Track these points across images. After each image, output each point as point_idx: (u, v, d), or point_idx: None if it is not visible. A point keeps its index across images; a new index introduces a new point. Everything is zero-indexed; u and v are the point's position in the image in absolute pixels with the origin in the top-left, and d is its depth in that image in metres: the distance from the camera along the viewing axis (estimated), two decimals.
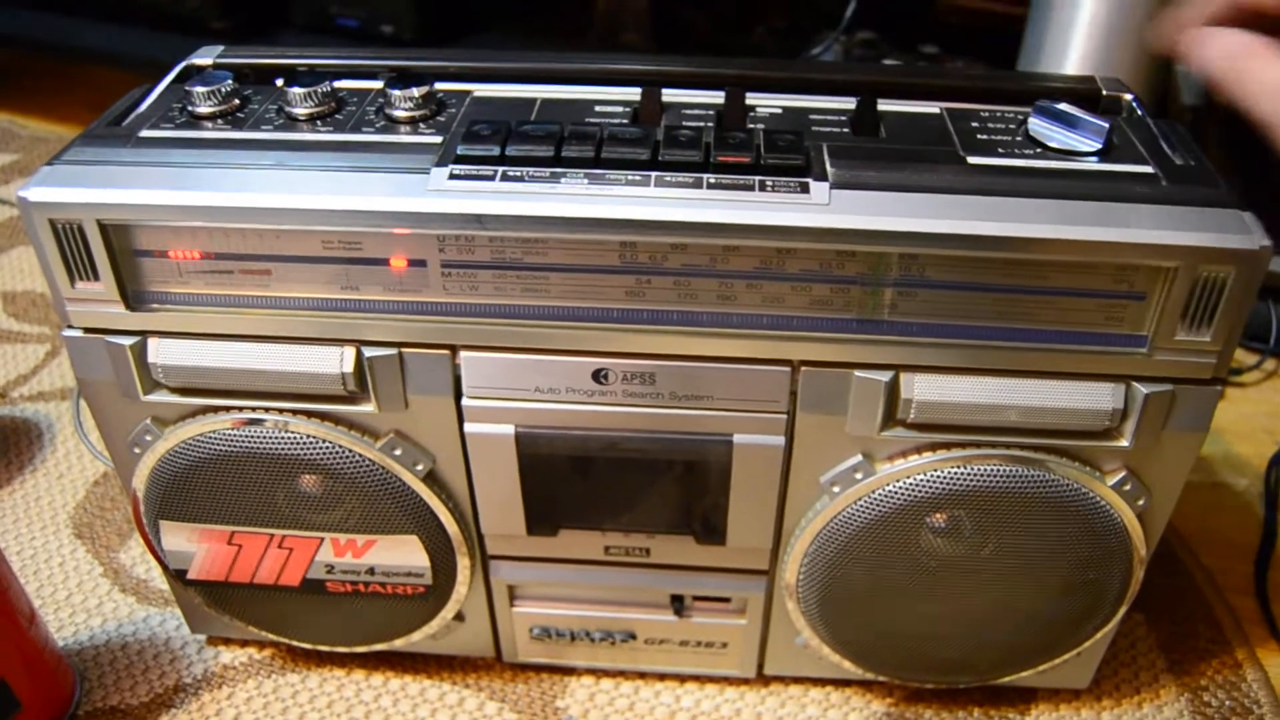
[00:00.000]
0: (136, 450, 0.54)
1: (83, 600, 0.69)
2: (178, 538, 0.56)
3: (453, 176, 0.46)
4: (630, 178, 0.46)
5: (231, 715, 0.62)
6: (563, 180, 0.46)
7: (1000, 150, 0.48)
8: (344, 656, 0.65)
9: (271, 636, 0.62)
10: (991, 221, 0.44)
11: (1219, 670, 0.65)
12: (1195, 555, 0.73)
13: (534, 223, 0.45)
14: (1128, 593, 0.55)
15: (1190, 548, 0.74)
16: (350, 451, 0.52)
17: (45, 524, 0.75)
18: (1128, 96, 0.53)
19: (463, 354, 0.49)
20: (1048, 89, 0.53)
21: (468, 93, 0.53)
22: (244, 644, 0.66)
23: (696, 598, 0.60)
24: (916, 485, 0.50)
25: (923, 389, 0.48)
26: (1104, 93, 0.53)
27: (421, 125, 0.50)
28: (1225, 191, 0.45)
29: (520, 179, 0.46)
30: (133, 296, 0.49)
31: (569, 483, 0.53)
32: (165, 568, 0.58)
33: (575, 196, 0.45)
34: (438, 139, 0.49)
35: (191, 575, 0.58)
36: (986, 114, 0.51)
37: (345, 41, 1.13)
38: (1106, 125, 0.47)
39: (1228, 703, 0.63)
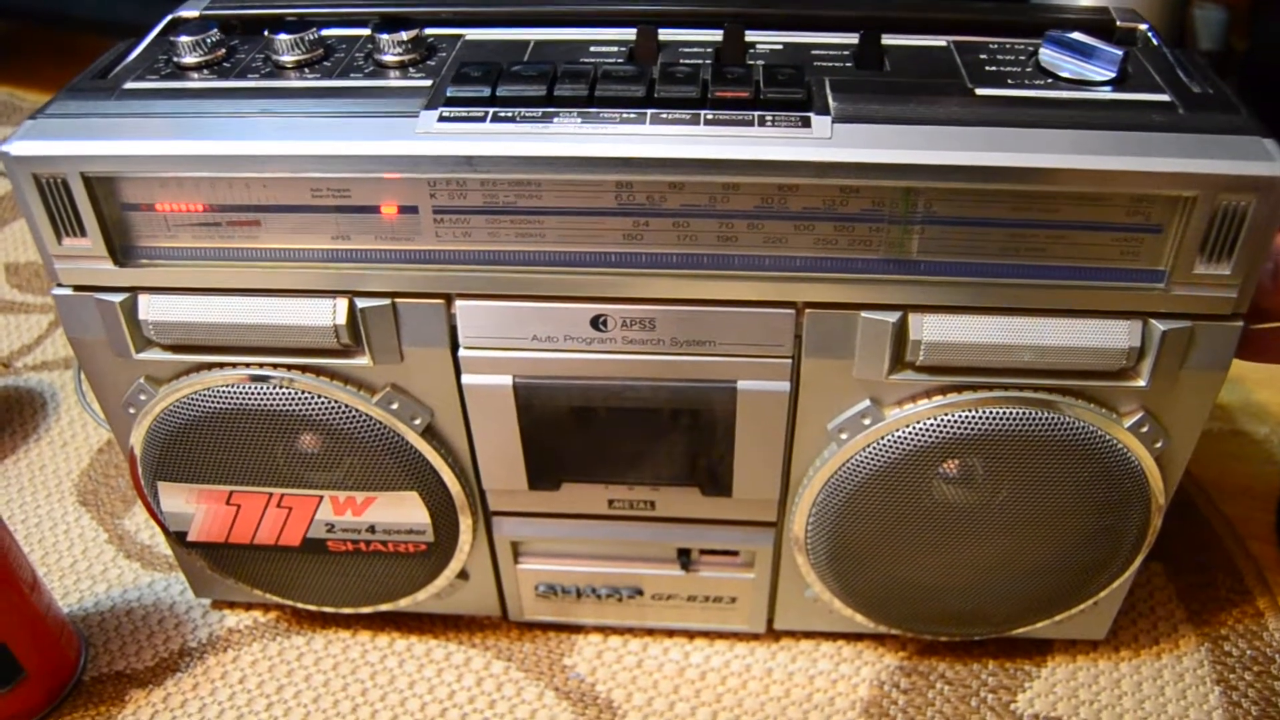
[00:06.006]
0: (131, 410, 0.53)
1: (88, 567, 0.69)
2: (176, 499, 0.55)
3: (442, 119, 0.45)
4: (625, 115, 0.44)
5: (237, 678, 0.61)
6: (555, 120, 0.44)
7: (1010, 81, 0.47)
8: (349, 618, 0.65)
9: (275, 599, 0.61)
10: (1001, 152, 0.42)
11: (1240, 620, 0.64)
12: (1215, 503, 0.72)
13: (526, 163, 0.44)
14: (1145, 540, 0.53)
15: (1210, 496, 0.73)
16: (346, 406, 0.51)
17: (50, 492, 0.74)
18: (1143, 27, 0.51)
19: (458, 303, 0.48)
20: (1059, 20, 0.51)
21: (459, 37, 0.52)
22: (248, 607, 0.66)
23: (703, 551, 0.59)
24: (927, 430, 0.49)
25: (932, 329, 0.46)
26: (1118, 23, 0.51)
27: (411, 70, 0.49)
28: (1246, 118, 0.44)
29: (512, 119, 0.44)
30: (121, 252, 0.48)
31: (570, 434, 0.52)
32: (166, 530, 0.58)
33: (568, 136, 0.44)
34: (427, 82, 0.47)
35: (192, 537, 0.57)
36: (995, 46, 0.50)
37: None
38: (1120, 53, 0.46)
39: (1249, 652, 0.62)
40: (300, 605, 0.62)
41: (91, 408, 0.81)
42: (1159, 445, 0.50)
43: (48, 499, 0.74)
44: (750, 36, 0.50)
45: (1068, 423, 0.48)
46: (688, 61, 0.48)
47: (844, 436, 0.50)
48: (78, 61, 0.51)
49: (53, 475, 0.76)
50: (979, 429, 0.48)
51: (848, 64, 0.48)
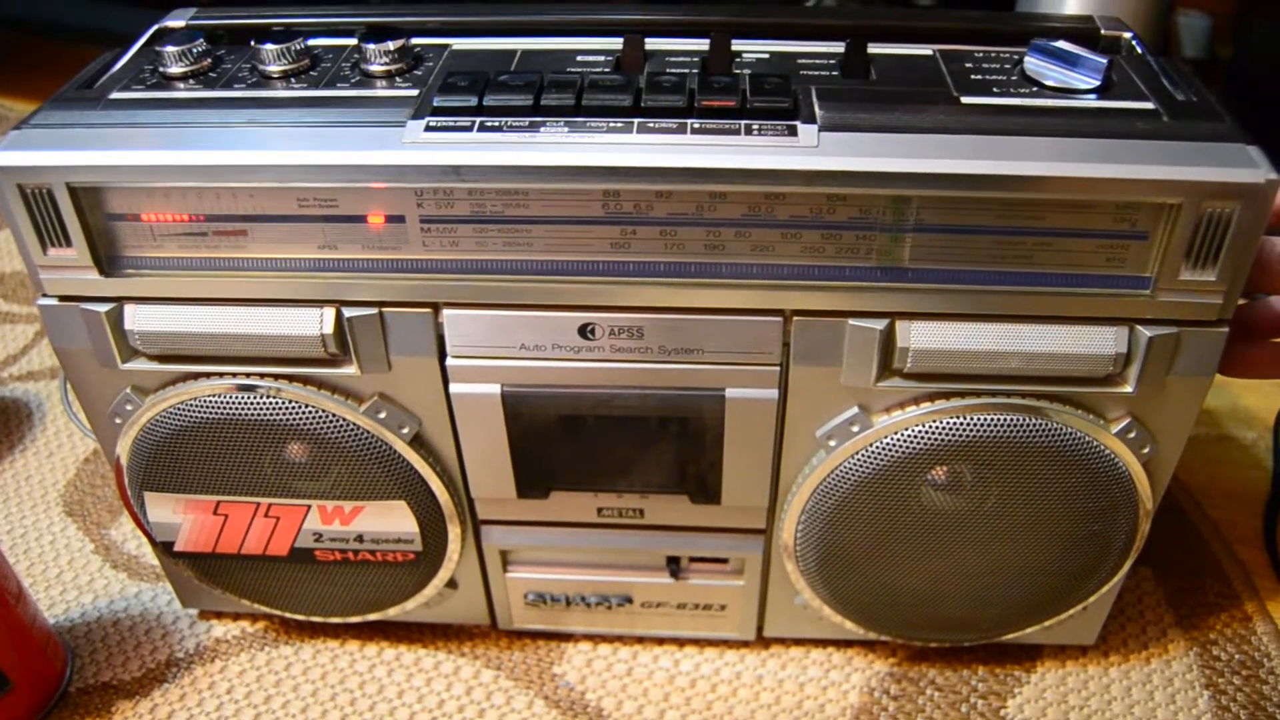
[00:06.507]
0: (118, 420, 0.53)
1: (74, 577, 0.68)
2: (163, 509, 0.55)
3: (429, 128, 0.45)
4: (612, 125, 0.44)
5: (224, 689, 0.61)
6: (542, 129, 0.44)
7: (995, 90, 0.47)
8: (337, 627, 0.64)
9: (263, 609, 0.61)
10: (987, 160, 0.42)
11: (1228, 624, 0.64)
12: (1203, 508, 0.72)
13: (513, 173, 0.44)
14: (1133, 545, 0.53)
15: (1197, 501, 0.73)
16: (333, 415, 0.50)
17: (36, 502, 0.74)
18: (1127, 35, 0.52)
19: (445, 312, 0.48)
20: (1044, 29, 0.51)
21: (446, 46, 0.52)
22: (236, 617, 0.65)
23: (693, 559, 0.59)
24: (915, 437, 0.49)
25: (920, 337, 0.47)
26: (1103, 32, 0.52)
27: (398, 79, 0.49)
28: (1230, 125, 0.44)
29: (498, 129, 0.44)
30: (107, 262, 0.48)
31: (558, 443, 0.52)
32: (152, 541, 0.57)
33: (555, 145, 0.44)
34: (414, 92, 0.47)
35: (179, 547, 0.57)
36: (981, 54, 0.50)
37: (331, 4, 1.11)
38: (1105, 61, 0.46)
39: (1237, 656, 0.62)
40: (288, 615, 0.62)
41: (78, 418, 0.81)
42: (1146, 451, 0.50)
43: (33, 509, 0.73)
44: (737, 46, 0.50)
45: (1055, 429, 0.48)
46: (674, 71, 0.48)
47: (832, 444, 0.50)
48: (67, 71, 0.51)
49: (39, 485, 0.76)
50: (967, 435, 0.48)
51: (834, 73, 0.48)
